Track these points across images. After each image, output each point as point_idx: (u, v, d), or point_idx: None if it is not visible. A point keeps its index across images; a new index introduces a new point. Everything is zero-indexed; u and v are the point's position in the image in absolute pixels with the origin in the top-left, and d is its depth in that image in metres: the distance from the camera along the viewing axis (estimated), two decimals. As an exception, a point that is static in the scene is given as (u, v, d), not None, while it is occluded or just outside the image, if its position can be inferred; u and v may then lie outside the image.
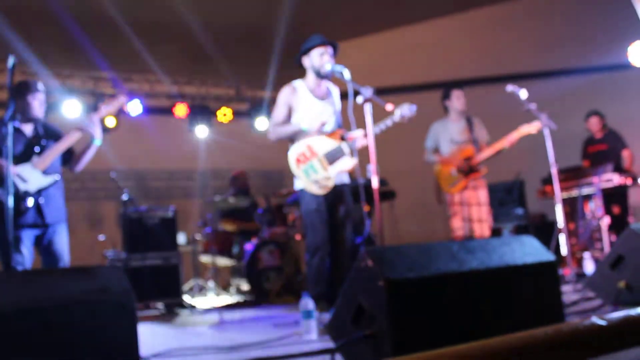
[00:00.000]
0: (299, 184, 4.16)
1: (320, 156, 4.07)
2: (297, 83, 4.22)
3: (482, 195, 5.23)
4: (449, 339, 2.33)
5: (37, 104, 3.84)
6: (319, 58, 4.10)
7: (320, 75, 4.13)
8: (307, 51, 4.15)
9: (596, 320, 1.86)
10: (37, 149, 3.80)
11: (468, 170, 5.15)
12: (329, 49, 4.13)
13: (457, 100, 5.34)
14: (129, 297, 2.18)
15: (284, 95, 4.18)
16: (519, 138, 5.06)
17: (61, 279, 2.19)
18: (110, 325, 2.14)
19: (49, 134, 3.93)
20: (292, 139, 4.17)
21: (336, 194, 4.12)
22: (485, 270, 2.52)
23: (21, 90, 3.82)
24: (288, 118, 4.19)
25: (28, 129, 3.87)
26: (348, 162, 4.10)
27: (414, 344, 2.23)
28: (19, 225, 3.66)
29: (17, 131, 3.77)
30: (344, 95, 4.24)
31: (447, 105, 5.44)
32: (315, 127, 4.07)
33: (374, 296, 2.25)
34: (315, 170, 4.05)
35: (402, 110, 4.06)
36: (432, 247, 2.51)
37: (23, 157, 3.74)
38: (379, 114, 3.95)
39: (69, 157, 4.02)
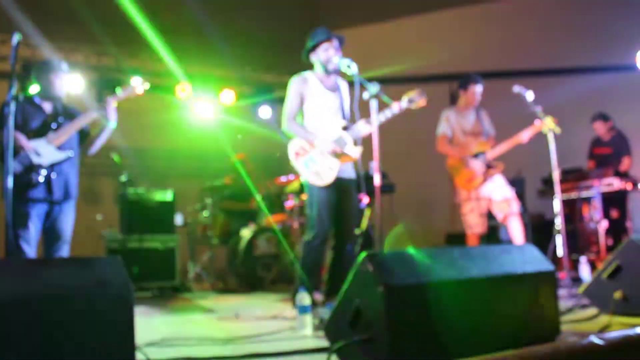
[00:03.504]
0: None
1: (320, 148, 4.03)
2: (308, 74, 4.19)
3: (500, 179, 5.03)
4: (446, 346, 2.34)
5: (59, 83, 3.91)
6: (324, 53, 4.07)
7: (327, 71, 4.10)
8: (313, 48, 4.12)
9: (594, 339, 1.86)
10: (54, 125, 3.85)
11: (486, 167, 5.00)
12: (334, 42, 4.08)
13: (472, 95, 5.14)
14: (128, 291, 2.17)
15: (295, 85, 4.14)
16: (535, 133, 4.92)
17: (59, 270, 2.18)
18: (108, 318, 2.13)
19: (67, 113, 3.98)
20: None
21: (343, 188, 4.09)
22: (485, 278, 2.52)
23: (45, 69, 3.89)
24: (300, 108, 4.16)
25: (48, 106, 3.92)
26: (351, 152, 4.06)
27: (411, 350, 2.23)
28: (28, 199, 3.68)
29: (37, 107, 3.86)
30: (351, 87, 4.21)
31: (460, 95, 5.30)
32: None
33: (372, 301, 2.24)
34: (315, 161, 4.03)
35: (412, 96, 3.94)
36: (432, 253, 2.50)
37: (40, 132, 3.79)
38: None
39: (84, 139, 4.04)
